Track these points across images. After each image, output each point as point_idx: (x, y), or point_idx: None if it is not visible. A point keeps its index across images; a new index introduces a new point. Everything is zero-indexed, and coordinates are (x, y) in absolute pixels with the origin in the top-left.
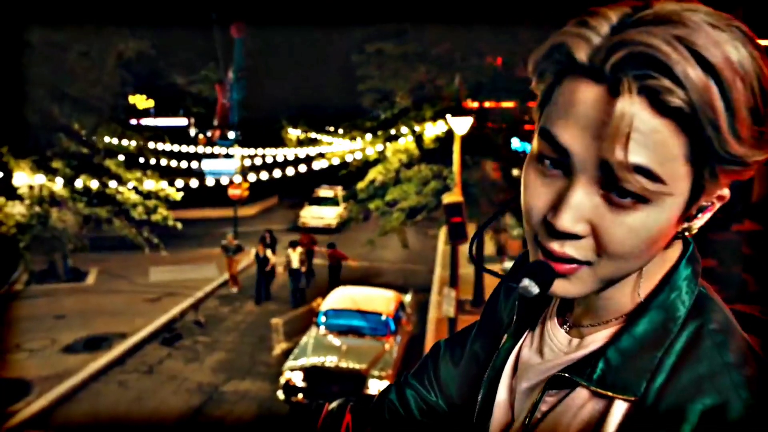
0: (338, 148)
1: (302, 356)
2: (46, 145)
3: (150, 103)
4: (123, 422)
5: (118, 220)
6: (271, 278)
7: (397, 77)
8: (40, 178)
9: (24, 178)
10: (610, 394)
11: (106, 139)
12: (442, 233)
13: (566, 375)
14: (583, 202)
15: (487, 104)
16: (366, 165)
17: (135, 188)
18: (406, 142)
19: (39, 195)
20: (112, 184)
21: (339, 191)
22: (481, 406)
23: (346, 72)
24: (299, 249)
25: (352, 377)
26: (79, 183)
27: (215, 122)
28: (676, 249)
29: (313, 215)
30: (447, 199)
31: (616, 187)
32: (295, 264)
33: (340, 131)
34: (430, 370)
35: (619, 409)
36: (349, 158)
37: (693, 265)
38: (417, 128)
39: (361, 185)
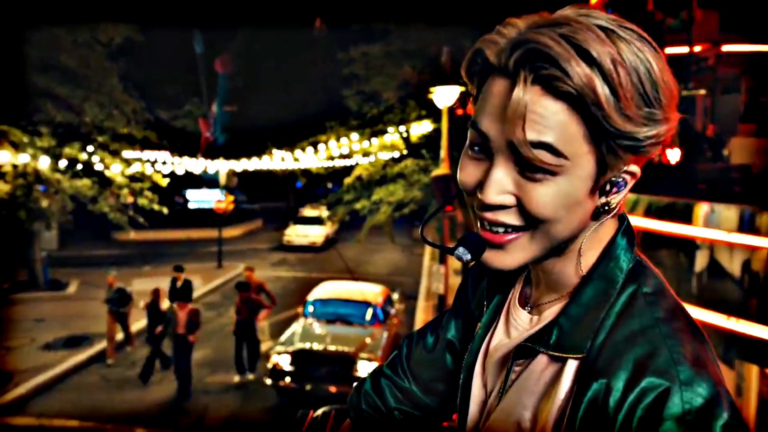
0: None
1: (290, 342)
2: (33, 112)
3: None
4: (105, 411)
5: (102, 199)
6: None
7: (382, 75)
8: (24, 157)
9: (7, 156)
10: (563, 355)
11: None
12: (428, 251)
13: (528, 344)
14: (503, 178)
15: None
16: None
17: (121, 169)
18: (392, 140)
19: (23, 171)
20: (99, 167)
21: (324, 211)
22: (463, 389)
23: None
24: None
25: (341, 359)
26: (64, 163)
27: (198, 156)
28: (612, 226)
29: (298, 233)
30: (436, 172)
31: (527, 164)
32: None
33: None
34: (403, 359)
35: (571, 367)
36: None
37: (628, 237)
38: (402, 128)
39: (347, 181)
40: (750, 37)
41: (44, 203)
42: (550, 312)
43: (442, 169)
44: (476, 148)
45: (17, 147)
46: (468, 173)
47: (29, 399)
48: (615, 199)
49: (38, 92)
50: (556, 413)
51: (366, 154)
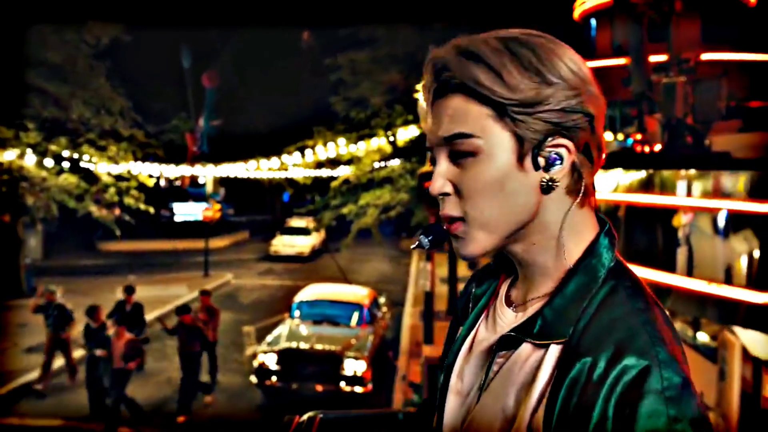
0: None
1: (276, 342)
2: (19, 108)
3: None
4: (88, 411)
5: (88, 197)
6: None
7: (369, 80)
8: (9, 155)
9: None
10: (546, 342)
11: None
12: (415, 261)
13: (512, 334)
14: (443, 170)
15: None
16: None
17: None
18: (379, 144)
19: (8, 167)
20: (85, 163)
21: (311, 222)
22: (442, 389)
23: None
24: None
25: (328, 358)
26: (50, 162)
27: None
28: (593, 227)
29: (284, 243)
30: (423, 169)
31: (455, 152)
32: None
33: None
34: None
35: (553, 353)
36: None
37: (609, 238)
38: (390, 132)
39: (334, 184)
40: (730, 46)
41: (30, 200)
42: (534, 308)
43: (428, 167)
44: (432, 161)
45: (3, 143)
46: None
47: (14, 400)
48: (556, 174)
49: (25, 88)
50: (538, 396)
51: (352, 159)
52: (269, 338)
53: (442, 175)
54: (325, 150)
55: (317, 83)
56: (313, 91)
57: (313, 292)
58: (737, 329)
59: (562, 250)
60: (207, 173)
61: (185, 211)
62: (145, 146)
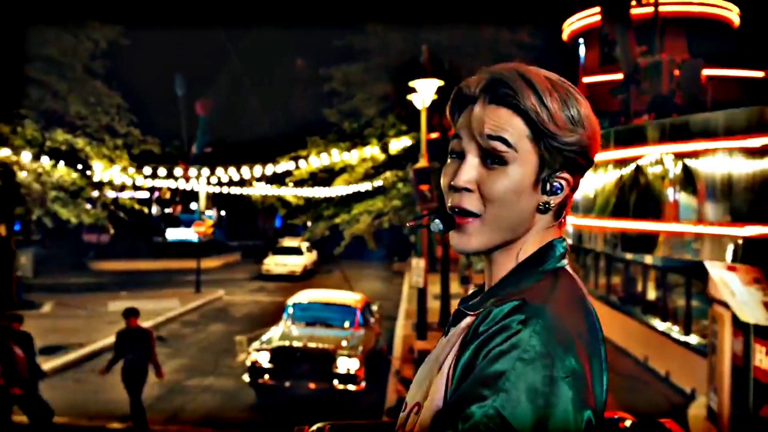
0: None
1: (269, 342)
2: (18, 101)
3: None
4: (80, 409)
5: (83, 194)
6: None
7: (363, 91)
8: (5, 151)
9: None
10: (476, 312)
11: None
12: (406, 280)
13: (461, 308)
14: (470, 168)
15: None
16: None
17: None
18: (372, 153)
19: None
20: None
21: (302, 242)
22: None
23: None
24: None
25: (321, 356)
26: (46, 160)
27: (177, 198)
28: (551, 233)
29: (277, 263)
30: (416, 165)
31: (489, 156)
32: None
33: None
34: None
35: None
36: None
37: (561, 249)
38: (382, 140)
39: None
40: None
41: (24, 189)
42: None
43: (422, 163)
44: (454, 154)
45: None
46: (447, 171)
47: None
48: (554, 200)
49: (22, 81)
50: (457, 348)
51: (345, 168)
52: (263, 338)
53: (472, 167)
54: (318, 158)
55: (311, 97)
56: (307, 105)
57: (306, 295)
58: (716, 267)
59: (520, 251)
60: (200, 188)
61: (178, 236)
62: (141, 143)
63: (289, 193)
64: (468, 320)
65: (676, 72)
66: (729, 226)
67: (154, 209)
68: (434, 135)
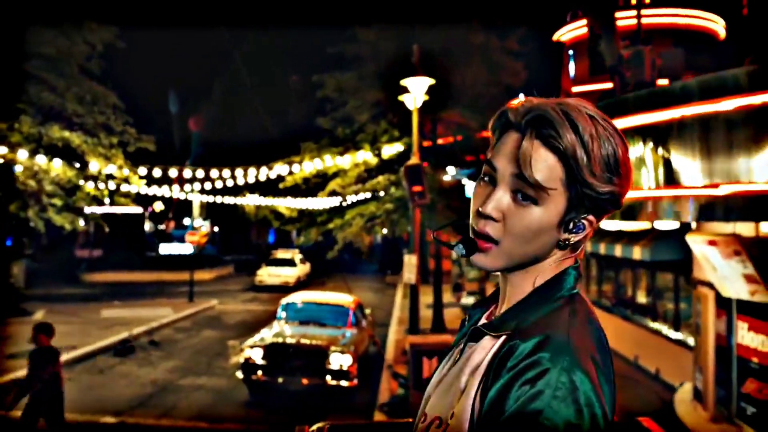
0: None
1: (263, 340)
2: (16, 97)
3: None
4: (74, 406)
5: (80, 192)
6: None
7: (356, 98)
8: (2, 149)
9: None
10: (499, 333)
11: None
12: (399, 293)
13: (479, 327)
14: (501, 198)
15: (440, 141)
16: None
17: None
18: (365, 159)
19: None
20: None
21: (296, 254)
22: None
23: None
24: None
25: (314, 352)
26: (43, 159)
27: (170, 215)
28: (567, 261)
29: (270, 273)
30: (408, 162)
31: (521, 192)
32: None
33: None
34: None
35: (500, 340)
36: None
37: (575, 275)
38: (375, 146)
39: (321, 195)
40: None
41: (20, 184)
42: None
43: (413, 160)
44: (486, 179)
45: None
46: (478, 195)
47: None
48: (574, 238)
49: (20, 77)
50: (483, 371)
51: (338, 173)
52: (256, 337)
53: (498, 201)
54: (311, 163)
55: (305, 107)
56: (301, 115)
57: (300, 296)
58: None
59: (538, 275)
60: (194, 197)
61: (171, 251)
62: (137, 141)
63: (283, 204)
64: (489, 342)
65: (659, 61)
66: (706, 188)
67: (147, 226)
68: (426, 143)
